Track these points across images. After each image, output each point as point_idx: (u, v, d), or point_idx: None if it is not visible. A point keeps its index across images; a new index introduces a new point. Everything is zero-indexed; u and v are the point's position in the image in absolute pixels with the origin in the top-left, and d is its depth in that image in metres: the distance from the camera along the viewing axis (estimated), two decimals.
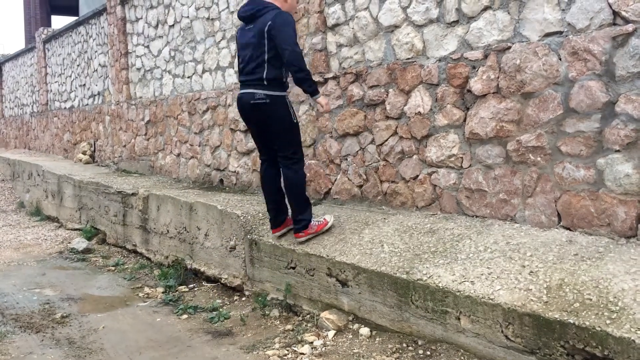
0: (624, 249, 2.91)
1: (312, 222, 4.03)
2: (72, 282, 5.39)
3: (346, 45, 4.74)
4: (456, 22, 3.85)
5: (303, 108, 5.16)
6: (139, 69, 8.50)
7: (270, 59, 3.84)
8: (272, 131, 3.98)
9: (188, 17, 7.04)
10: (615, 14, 3.03)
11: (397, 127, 4.30)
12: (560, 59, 3.25)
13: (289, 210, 4.17)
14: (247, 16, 3.97)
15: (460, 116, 3.84)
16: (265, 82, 3.86)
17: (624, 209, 3.03)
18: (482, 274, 3.02)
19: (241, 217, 4.63)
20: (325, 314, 3.70)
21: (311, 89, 3.91)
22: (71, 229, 7.90)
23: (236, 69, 6.15)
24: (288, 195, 4.06)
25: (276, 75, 3.87)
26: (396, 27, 4.28)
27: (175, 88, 7.52)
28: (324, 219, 4.09)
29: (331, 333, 3.55)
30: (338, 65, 4.84)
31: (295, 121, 4.00)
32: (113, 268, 5.91)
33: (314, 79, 3.95)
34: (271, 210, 4.19)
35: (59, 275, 5.63)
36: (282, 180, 4.08)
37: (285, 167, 4.02)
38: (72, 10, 20.46)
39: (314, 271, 3.89)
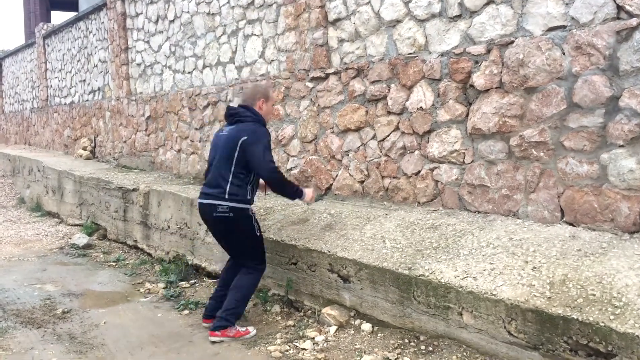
0: (628, 245, 2.90)
1: (233, 327, 3.75)
2: (73, 277, 5.39)
3: (348, 40, 4.72)
4: (459, 16, 3.83)
5: (304, 104, 5.14)
6: (139, 65, 8.48)
7: (236, 174, 3.71)
8: (235, 244, 3.85)
9: (188, 12, 7.01)
10: (619, 8, 3.01)
11: (398, 123, 4.28)
12: (563, 54, 3.23)
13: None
14: (228, 115, 3.90)
15: (462, 111, 3.83)
16: (226, 196, 3.70)
17: (627, 204, 3.02)
18: (484, 270, 3.01)
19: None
20: (326, 310, 3.69)
21: (294, 197, 3.82)
22: (72, 225, 7.89)
23: (237, 64, 6.13)
24: (233, 291, 3.80)
25: (239, 192, 3.72)
26: (398, 21, 4.26)
27: (175, 83, 7.50)
28: (247, 329, 3.78)
29: (333, 329, 3.55)
30: (339, 61, 4.82)
31: (258, 234, 3.84)
32: (114, 264, 5.91)
33: (310, 78, 3.84)
34: (212, 301, 3.96)
35: (59, 271, 5.63)
36: (234, 280, 3.87)
37: (242, 273, 3.84)
38: (72, 5, 20.40)
39: (316, 267, 3.88)
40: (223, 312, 3.73)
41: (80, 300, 4.67)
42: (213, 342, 3.67)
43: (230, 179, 3.71)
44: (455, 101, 3.86)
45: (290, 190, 3.82)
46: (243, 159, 3.68)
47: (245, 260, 3.85)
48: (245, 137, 3.68)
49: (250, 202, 3.82)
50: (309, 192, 3.89)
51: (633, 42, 2.94)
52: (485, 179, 3.71)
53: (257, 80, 5.61)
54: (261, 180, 3.86)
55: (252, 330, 3.79)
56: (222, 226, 3.78)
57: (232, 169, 3.71)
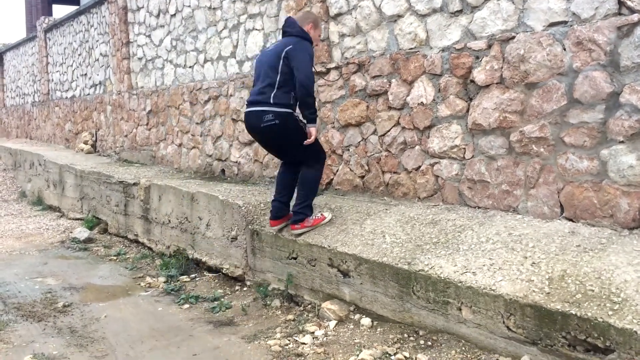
0: (627, 241, 2.90)
1: (311, 216, 4.05)
2: (73, 271, 5.40)
3: (349, 35, 4.72)
4: (460, 11, 3.82)
5: None
6: (140, 59, 8.47)
7: (281, 82, 3.85)
8: (288, 149, 4.05)
9: (190, 6, 7.00)
10: (621, 3, 3.01)
11: (399, 118, 4.28)
12: (564, 49, 3.23)
13: (291, 207, 4.17)
14: (283, 28, 4.06)
15: (463, 107, 3.82)
16: (271, 102, 3.86)
17: (627, 200, 3.02)
18: (484, 265, 3.02)
19: (243, 208, 4.62)
20: (326, 304, 3.70)
21: (312, 115, 3.92)
22: (73, 219, 7.91)
23: (238, 58, 6.12)
24: (299, 186, 4.08)
25: (283, 97, 3.86)
26: (399, 16, 4.25)
27: (176, 78, 7.49)
28: (322, 214, 4.11)
29: (332, 323, 3.56)
30: (340, 55, 4.82)
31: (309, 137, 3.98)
32: (115, 258, 5.92)
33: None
34: (276, 203, 4.18)
35: (60, 265, 5.64)
36: (298, 176, 4.11)
37: (306, 167, 4.06)
38: None
39: (316, 262, 3.89)
40: (297, 207, 4.04)
41: (81, 294, 4.68)
42: (296, 235, 4.02)
43: (276, 86, 3.86)
44: (455, 96, 3.86)
45: (313, 107, 3.92)
46: (287, 68, 3.84)
47: (303, 160, 4.06)
48: (291, 46, 3.86)
49: (294, 107, 3.97)
50: (315, 130, 3.97)
51: (634, 38, 2.93)
52: (486, 174, 3.71)
53: None
54: None
55: (327, 214, 4.12)
56: (272, 135, 3.95)
57: (278, 77, 3.86)
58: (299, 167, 4.14)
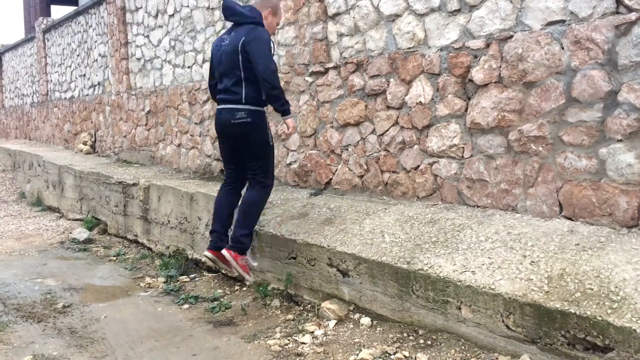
0: (626, 239, 2.91)
1: (247, 256, 3.85)
2: (73, 272, 5.40)
3: (347, 35, 4.72)
4: (458, 10, 3.83)
5: (303, 98, 5.14)
6: (139, 59, 8.47)
7: (248, 78, 3.76)
8: (249, 152, 3.87)
9: (188, 6, 7.00)
10: (618, 2, 3.01)
11: (398, 117, 4.28)
12: (562, 48, 3.23)
13: (228, 241, 4.02)
14: (226, 14, 3.93)
15: (461, 106, 3.83)
16: (244, 101, 3.76)
17: (625, 198, 3.02)
18: (483, 264, 3.02)
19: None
20: (326, 304, 3.70)
21: (282, 108, 3.80)
22: (72, 219, 7.91)
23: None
24: (242, 212, 3.89)
25: (255, 94, 3.77)
26: (397, 16, 4.25)
27: (175, 78, 7.49)
28: (250, 272, 3.99)
29: (332, 323, 3.56)
30: (339, 55, 4.82)
31: (271, 143, 3.91)
32: (114, 258, 5.92)
33: (309, 73, 3.87)
34: (214, 233, 4.03)
35: (60, 265, 5.64)
36: (241, 199, 3.94)
37: (252, 188, 3.90)
38: None
39: (315, 261, 3.89)
40: (238, 233, 3.86)
41: (80, 295, 4.69)
42: (224, 256, 3.84)
43: (243, 84, 3.76)
44: (454, 96, 3.86)
45: (282, 98, 3.77)
46: (248, 61, 3.72)
47: (255, 172, 3.91)
48: (244, 38, 3.73)
49: (265, 104, 3.88)
50: (293, 121, 3.86)
51: (632, 36, 2.94)
52: (484, 173, 3.72)
53: None
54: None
55: (249, 278, 3.99)
56: (239, 133, 3.83)
57: (242, 74, 3.76)
58: (241, 189, 4.00)
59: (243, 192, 4.12)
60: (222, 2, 3.98)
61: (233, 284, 4.68)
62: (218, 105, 3.98)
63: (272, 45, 3.83)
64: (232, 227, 3.93)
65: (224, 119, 3.88)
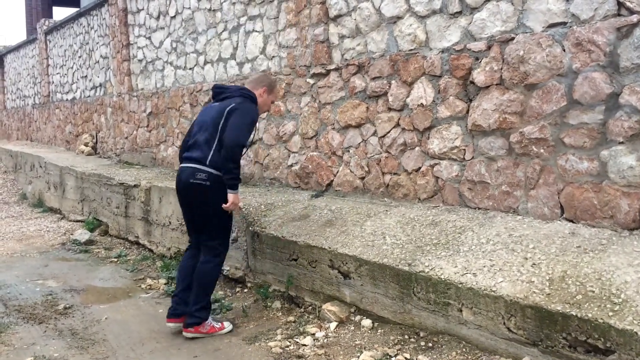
0: (627, 241, 2.90)
1: (209, 321, 3.73)
2: (74, 273, 5.41)
3: (348, 37, 4.72)
4: (459, 12, 3.83)
5: (305, 100, 5.14)
6: (140, 61, 8.48)
7: (220, 143, 3.66)
8: (205, 216, 3.76)
9: (189, 8, 7.01)
10: (620, 4, 3.01)
11: (399, 119, 4.28)
12: (564, 50, 3.23)
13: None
14: (215, 93, 3.92)
15: (463, 108, 3.83)
16: (207, 163, 3.67)
17: (627, 201, 3.02)
18: (484, 266, 3.02)
19: (243, 209, 4.62)
20: (327, 306, 3.70)
21: (232, 182, 3.65)
22: (73, 221, 7.91)
23: (238, 60, 6.12)
24: (195, 283, 3.76)
25: (220, 160, 3.66)
26: (399, 18, 4.25)
27: (177, 79, 7.50)
28: (222, 323, 3.77)
29: (333, 325, 3.56)
30: (340, 57, 4.82)
31: (229, 213, 3.79)
32: (115, 260, 5.92)
33: (311, 74, 3.81)
34: (175, 298, 3.83)
35: (61, 267, 5.65)
36: (195, 271, 3.81)
37: (205, 257, 3.79)
38: (74, 1, 20.37)
39: (316, 263, 3.89)
40: (193, 310, 3.68)
41: (81, 296, 4.69)
42: (186, 338, 3.66)
43: (213, 146, 3.68)
44: (455, 97, 3.86)
45: (235, 173, 3.65)
46: (226, 126, 3.65)
47: (210, 238, 3.78)
48: (233, 105, 3.71)
49: None
50: (236, 197, 3.70)
51: (634, 38, 2.93)
52: (486, 175, 3.72)
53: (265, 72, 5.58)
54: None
55: (227, 325, 3.76)
56: (196, 194, 3.71)
57: (217, 136, 3.69)
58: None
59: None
60: (212, 86, 3.95)
61: (234, 286, 4.68)
62: (180, 163, 3.86)
63: (255, 125, 3.77)
64: (190, 298, 3.79)
65: (184, 177, 3.76)
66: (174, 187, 5.65)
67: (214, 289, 3.86)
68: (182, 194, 3.84)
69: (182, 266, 3.93)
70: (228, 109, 3.70)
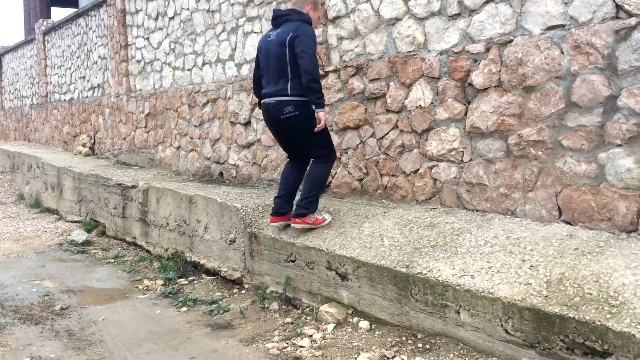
0: (625, 244, 2.91)
1: (314, 214, 4.06)
2: (71, 274, 5.39)
3: (347, 38, 4.72)
4: (458, 15, 3.83)
5: None
6: (138, 61, 8.47)
7: (293, 72, 3.88)
8: (303, 141, 4.05)
9: (188, 9, 7.00)
10: (618, 7, 3.01)
11: (397, 121, 4.28)
12: (562, 53, 3.24)
13: (294, 206, 4.17)
14: (274, 17, 4.07)
15: (461, 110, 3.83)
16: (289, 93, 3.90)
17: (625, 203, 3.02)
18: (482, 268, 3.02)
19: (241, 210, 4.62)
20: (324, 307, 3.70)
21: (318, 101, 3.89)
22: (71, 221, 7.90)
23: (236, 61, 6.12)
24: (306, 181, 4.12)
25: (300, 88, 3.88)
26: (397, 19, 4.26)
27: (175, 80, 7.49)
28: (323, 216, 4.10)
29: (330, 326, 3.55)
30: (339, 58, 4.82)
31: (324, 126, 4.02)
32: (113, 260, 5.91)
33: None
34: (278, 199, 4.19)
35: (58, 267, 5.63)
36: (305, 173, 4.17)
37: (315, 164, 4.11)
38: (72, 1, 20.36)
39: (314, 264, 3.88)
40: (301, 202, 4.03)
41: (78, 297, 4.67)
42: (294, 228, 4.06)
43: (289, 77, 3.89)
44: (454, 100, 3.86)
45: (320, 92, 3.89)
46: (294, 55, 3.85)
47: (314, 152, 4.09)
48: (292, 33, 3.87)
49: None
50: (323, 115, 3.92)
51: (632, 41, 2.94)
52: (484, 177, 3.72)
53: None
54: None
55: (327, 217, 4.10)
56: (290, 127, 3.99)
57: (289, 68, 3.89)
58: (306, 165, 4.19)
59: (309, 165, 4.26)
60: (272, 12, 4.16)
61: (232, 287, 4.67)
62: (262, 99, 4.09)
63: (316, 42, 3.98)
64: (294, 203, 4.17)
65: (272, 115, 4.02)
66: (172, 188, 5.69)
67: (323, 187, 4.18)
68: (275, 128, 4.15)
69: (284, 172, 4.26)
70: (288, 39, 3.86)
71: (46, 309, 4.32)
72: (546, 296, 2.66)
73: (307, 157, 4.19)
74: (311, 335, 3.49)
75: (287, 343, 3.45)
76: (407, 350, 3.11)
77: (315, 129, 3.89)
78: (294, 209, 4.10)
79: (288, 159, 4.32)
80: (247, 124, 5.96)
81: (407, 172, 4.25)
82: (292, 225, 4.06)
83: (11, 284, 5.00)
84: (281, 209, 4.16)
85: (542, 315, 2.61)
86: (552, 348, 2.59)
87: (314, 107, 3.88)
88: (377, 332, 3.39)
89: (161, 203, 5.83)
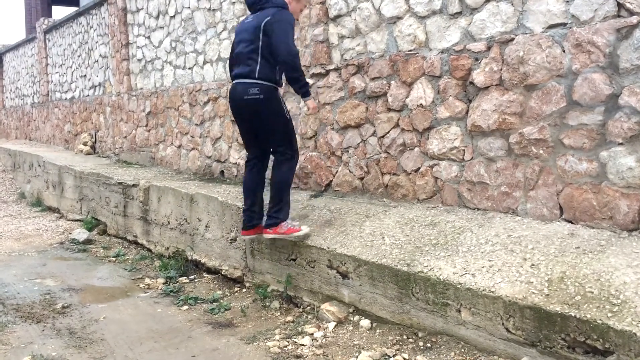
0: (626, 242, 2.90)
1: (286, 222, 3.94)
2: (73, 272, 5.40)
3: (348, 37, 4.72)
4: (459, 13, 3.83)
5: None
6: (139, 60, 8.47)
7: (264, 56, 3.81)
8: (266, 127, 3.94)
9: (189, 7, 7.00)
10: (620, 5, 3.01)
11: (398, 119, 4.28)
12: (563, 51, 3.23)
13: (264, 217, 4.09)
14: (250, 3, 4.00)
15: (462, 108, 3.83)
16: (256, 76, 3.82)
17: (626, 202, 3.02)
18: (483, 267, 3.02)
19: (242, 209, 4.62)
20: (325, 306, 3.70)
21: (303, 89, 3.87)
22: (72, 220, 7.90)
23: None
24: (272, 187, 3.98)
25: (269, 72, 3.83)
26: (399, 18, 4.25)
27: (176, 79, 7.49)
28: (299, 226, 3.96)
29: (331, 325, 3.55)
30: (340, 57, 4.82)
31: (288, 117, 3.98)
32: (114, 259, 5.92)
33: (310, 75, 3.92)
34: (247, 212, 4.11)
35: (59, 266, 5.64)
36: (270, 176, 4.04)
37: (278, 163, 3.98)
38: (73, 0, 20.38)
39: (315, 263, 3.88)
40: (271, 210, 3.93)
41: (79, 295, 4.68)
42: (268, 239, 4.00)
43: (259, 60, 3.82)
44: (455, 98, 3.86)
45: (302, 80, 3.86)
46: (268, 39, 3.78)
47: (277, 146, 3.98)
48: (269, 17, 3.79)
49: (280, 83, 3.95)
50: (312, 102, 3.91)
51: (633, 40, 2.94)
52: (485, 176, 3.72)
53: None
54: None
55: (305, 228, 3.94)
56: (253, 109, 3.88)
57: (260, 51, 3.81)
58: (266, 162, 4.10)
59: (269, 165, 4.17)
60: None
61: (233, 285, 4.68)
62: (232, 80, 4.04)
63: (294, 28, 3.89)
64: (267, 203, 4.07)
65: (237, 94, 3.93)
66: (173, 187, 5.69)
67: (289, 190, 4.03)
68: (238, 110, 4.02)
69: (245, 182, 4.15)
70: (264, 23, 3.79)
71: (47, 308, 4.33)
72: (547, 295, 2.66)
73: (268, 150, 4.06)
74: (312, 334, 3.50)
75: (288, 341, 3.45)
76: (408, 348, 3.11)
77: (309, 113, 3.86)
78: (264, 219, 4.00)
79: (246, 162, 4.18)
80: None
81: (408, 171, 4.25)
82: (264, 236, 4.00)
83: (12, 283, 5.01)
84: (251, 222, 4.08)
85: (543, 314, 2.61)
86: (553, 347, 2.59)
87: (301, 97, 3.88)
88: (378, 331, 3.39)
89: (162, 202, 5.83)
